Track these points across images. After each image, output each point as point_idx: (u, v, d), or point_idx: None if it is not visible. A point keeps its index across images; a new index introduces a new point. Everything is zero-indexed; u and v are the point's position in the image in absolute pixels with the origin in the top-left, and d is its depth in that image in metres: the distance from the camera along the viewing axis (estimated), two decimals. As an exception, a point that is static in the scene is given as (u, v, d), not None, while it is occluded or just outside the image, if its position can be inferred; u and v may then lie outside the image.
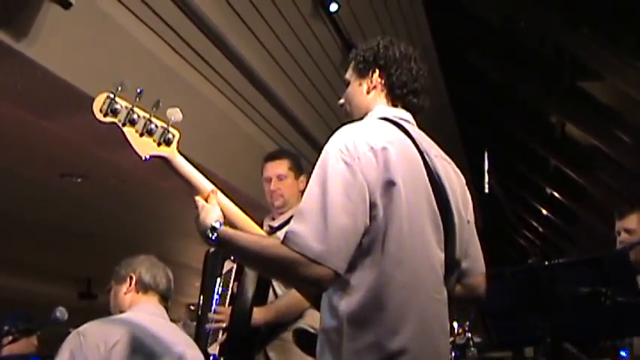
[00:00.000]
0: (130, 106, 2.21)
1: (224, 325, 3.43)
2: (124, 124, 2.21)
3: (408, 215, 1.98)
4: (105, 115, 2.18)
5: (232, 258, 3.43)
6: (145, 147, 2.24)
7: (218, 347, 3.43)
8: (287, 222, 3.66)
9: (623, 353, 4.16)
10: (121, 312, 3.15)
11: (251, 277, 3.47)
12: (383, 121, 2.17)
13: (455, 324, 5.61)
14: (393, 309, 1.92)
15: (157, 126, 2.24)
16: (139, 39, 4.48)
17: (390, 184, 1.96)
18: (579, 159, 9.67)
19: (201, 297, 3.66)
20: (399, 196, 1.96)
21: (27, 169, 6.41)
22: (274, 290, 3.61)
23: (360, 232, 1.92)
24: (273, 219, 3.83)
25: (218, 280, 3.59)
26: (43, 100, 4.40)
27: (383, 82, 2.29)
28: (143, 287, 3.17)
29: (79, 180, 6.85)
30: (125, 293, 3.17)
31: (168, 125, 2.25)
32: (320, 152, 2.03)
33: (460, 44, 9.53)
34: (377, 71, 2.29)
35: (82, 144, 5.22)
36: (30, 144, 5.57)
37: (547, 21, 7.07)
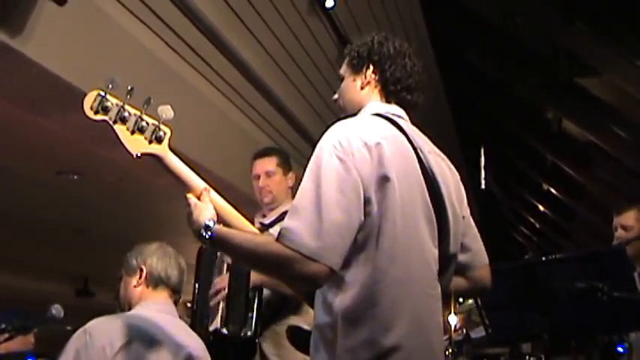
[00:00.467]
0: (120, 103, 2.19)
1: (224, 292, 3.44)
2: (114, 122, 2.19)
3: (402, 211, 1.97)
4: (96, 113, 2.16)
5: None
6: (136, 145, 2.22)
7: (219, 318, 3.43)
8: (278, 218, 3.69)
9: (620, 349, 4.17)
10: (130, 306, 3.08)
11: None
12: (376, 117, 2.17)
13: (453, 317, 5.61)
14: (386, 305, 1.91)
15: (148, 123, 2.22)
16: (135, 36, 4.48)
17: (384, 180, 1.95)
18: (577, 155, 9.67)
19: (195, 286, 3.65)
20: (393, 192, 1.96)
21: (23, 166, 6.40)
22: None
23: (354, 228, 1.91)
24: (264, 216, 3.85)
25: (215, 269, 3.61)
26: (38, 97, 4.39)
27: (377, 77, 2.28)
28: (154, 282, 3.05)
29: (75, 177, 6.84)
30: (135, 287, 3.06)
31: (159, 123, 2.24)
32: (315, 147, 2.02)
33: (457, 40, 9.51)
34: (371, 67, 2.28)
35: (78, 141, 5.21)
36: (26, 141, 5.56)
37: (544, 17, 7.06)
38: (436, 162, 2.19)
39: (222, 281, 3.49)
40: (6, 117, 4.93)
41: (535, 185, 12.50)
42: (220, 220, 2.19)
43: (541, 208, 13.22)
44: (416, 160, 2.09)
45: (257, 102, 6.04)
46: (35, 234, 9.10)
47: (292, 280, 2.29)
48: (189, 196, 2.23)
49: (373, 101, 2.27)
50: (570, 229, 12.81)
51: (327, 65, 6.40)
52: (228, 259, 3.56)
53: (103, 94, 2.16)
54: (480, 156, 11.11)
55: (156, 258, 3.10)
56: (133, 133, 2.21)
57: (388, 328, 1.89)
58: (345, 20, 6.41)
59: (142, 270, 3.07)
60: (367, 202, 1.93)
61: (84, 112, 2.15)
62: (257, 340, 3.59)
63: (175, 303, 3.17)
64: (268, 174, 3.84)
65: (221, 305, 3.46)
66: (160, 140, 2.24)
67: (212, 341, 3.43)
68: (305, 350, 2.14)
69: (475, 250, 2.33)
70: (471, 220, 2.36)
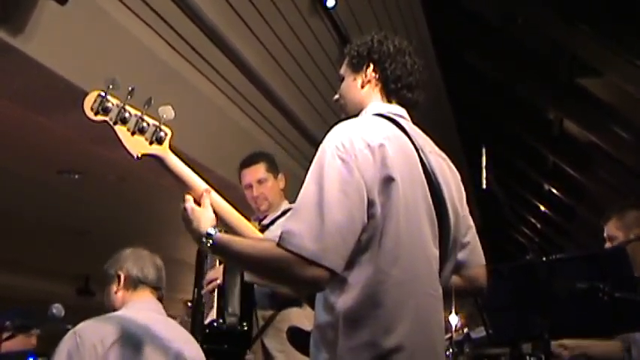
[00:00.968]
0: (121, 104, 2.18)
1: (219, 281, 3.45)
2: (115, 123, 2.18)
3: (405, 211, 1.96)
4: (96, 114, 2.15)
5: None
6: (137, 146, 2.21)
7: (215, 310, 3.43)
8: (278, 217, 3.69)
9: (620, 349, 4.15)
10: (114, 311, 3.14)
11: None
12: (378, 117, 2.16)
13: (453, 317, 5.61)
14: (389, 306, 1.90)
15: (148, 124, 2.21)
16: (137, 35, 4.48)
17: (388, 181, 1.94)
18: (578, 156, 9.66)
19: (195, 290, 3.67)
20: (396, 192, 1.95)
21: (24, 166, 6.41)
22: None
23: (357, 229, 1.90)
24: (261, 220, 3.82)
25: (207, 260, 3.62)
26: (39, 96, 4.39)
27: (377, 76, 2.28)
28: (133, 283, 3.14)
29: (76, 177, 6.85)
30: (116, 292, 3.15)
31: (160, 123, 2.23)
32: (317, 149, 2.01)
33: (458, 41, 9.51)
34: (371, 66, 2.28)
35: (79, 141, 5.22)
36: (26, 141, 5.57)
37: (545, 18, 7.06)
38: (437, 162, 2.18)
39: (215, 273, 3.49)
40: (7, 116, 4.94)
41: (536, 185, 12.49)
42: (220, 220, 2.19)
43: (542, 208, 13.21)
44: (418, 161, 2.09)
45: (258, 101, 6.04)
46: (36, 234, 9.12)
47: (295, 284, 2.28)
48: (188, 197, 2.22)
49: (374, 100, 2.27)
50: (571, 230, 12.80)
51: (328, 65, 6.40)
52: None
53: (103, 94, 2.15)
54: (481, 156, 11.11)
55: (130, 262, 3.18)
56: (133, 134, 2.20)
57: (390, 329, 1.89)
58: (346, 20, 6.41)
59: (119, 276, 3.14)
60: (371, 204, 1.92)
61: (84, 113, 2.14)
62: (260, 338, 3.60)
63: (160, 299, 3.24)
64: (260, 181, 3.82)
65: (216, 298, 3.47)
66: (160, 141, 2.23)
67: (208, 334, 3.45)
68: (305, 351, 2.13)
69: (472, 250, 2.32)
70: (470, 219, 2.35)
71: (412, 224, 1.99)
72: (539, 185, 12.36)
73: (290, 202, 3.74)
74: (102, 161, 5.72)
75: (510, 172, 12.67)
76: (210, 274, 3.53)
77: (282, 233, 1.88)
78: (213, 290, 3.50)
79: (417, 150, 2.11)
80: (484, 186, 10.95)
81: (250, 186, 3.84)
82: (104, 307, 3.23)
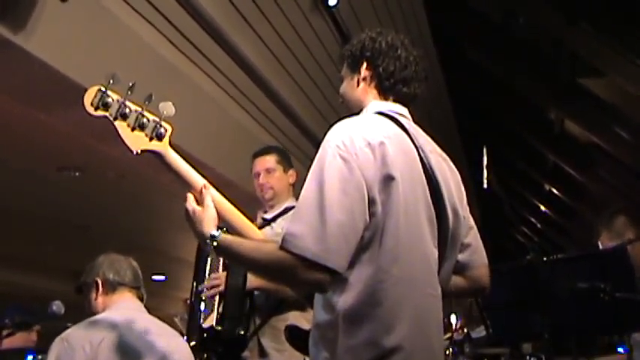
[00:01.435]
0: (121, 99, 2.17)
1: (221, 288, 3.46)
2: (115, 118, 2.17)
3: (405, 210, 1.96)
4: (96, 109, 2.14)
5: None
6: (137, 141, 2.20)
7: (215, 316, 3.45)
8: (280, 213, 3.72)
9: (620, 349, 4.16)
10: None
11: None
12: (379, 115, 2.15)
13: (453, 317, 5.62)
14: (388, 305, 1.90)
15: (148, 120, 2.20)
16: (137, 32, 4.48)
17: (388, 179, 1.93)
18: (578, 156, 9.66)
19: (193, 283, 3.68)
20: (396, 191, 1.94)
21: (24, 162, 6.40)
22: None
23: (359, 229, 1.89)
24: (266, 212, 3.86)
25: (208, 260, 3.63)
26: (40, 92, 4.39)
27: (371, 74, 2.27)
28: (111, 286, 3.19)
29: (76, 174, 6.84)
30: (95, 299, 3.19)
31: (160, 119, 2.22)
32: (318, 147, 2.00)
33: (459, 39, 9.51)
34: (365, 64, 2.28)
35: (80, 137, 5.21)
36: (27, 137, 5.56)
37: (547, 17, 7.06)
38: (437, 161, 2.18)
39: (218, 278, 3.50)
40: (7, 112, 4.94)
41: (537, 185, 12.49)
42: (220, 217, 2.19)
43: (542, 208, 13.21)
44: (418, 160, 2.08)
45: (259, 99, 6.04)
46: (36, 230, 9.12)
47: (299, 286, 2.27)
48: (189, 197, 2.20)
49: (372, 98, 2.27)
50: (571, 230, 12.80)
51: (329, 63, 6.40)
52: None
53: (103, 89, 2.14)
54: (481, 156, 11.10)
55: (105, 267, 3.24)
56: (133, 129, 2.19)
57: (390, 329, 1.88)
58: (348, 18, 6.41)
59: (96, 282, 3.20)
60: (372, 202, 1.91)
61: (84, 108, 2.14)
62: (256, 336, 3.61)
63: (140, 299, 3.28)
64: (268, 171, 3.86)
65: (216, 303, 3.48)
66: (160, 137, 2.22)
67: (205, 338, 3.47)
68: (303, 350, 2.13)
69: (474, 250, 2.32)
70: (471, 219, 2.35)
71: (412, 223, 1.98)
72: (540, 185, 12.36)
73: (297, 200, 3.76)
74: (102, 158, 5.71)
75: (511, 171, 12.67)
76: (213, 279, 3.54)
77: (284, 235, 1.87)
78: (215, 295, 3.51)
79: (417, 149, 2.10)
80: (485, 185, 10.94)
81: (258, 174, 3.88)
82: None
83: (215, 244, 2.04)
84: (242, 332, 3.52)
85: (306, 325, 2.16)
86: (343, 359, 1.88)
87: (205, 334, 3.47)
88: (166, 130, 2.23)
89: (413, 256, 1.97)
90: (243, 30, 5.34)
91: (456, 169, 2.32)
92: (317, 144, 2.01)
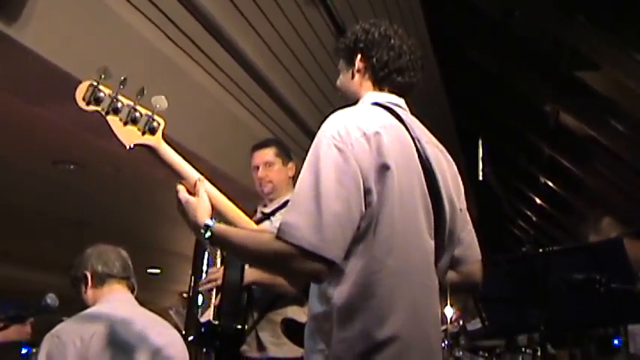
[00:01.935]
0: (113, 94, 2.16)
1: (218, 282, 3.46)
2: (107, 113, 2.16)
3: (400, 200, 1.96)
4: (88, 104, 2.14)
5: None
6: (129, 136, 2.19)
7: (212, 310, 3.44)
8: (280, 207, 3.70)
9: (616, 341, 4.17)
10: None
11: None
12: (375, 106, 2.15)
13: (449, 309, 5.63)
14: (384, 296, 1.89)
15: (141, 114, 2.20)
16: (132, 24, 4.46)
17: (383, 169, 1.93)
18: (575, 149, 9.65)
19: (192, 278, 3.68)
20: (392, 181, 1.94)
21: (19, 156, 6.39)
22: None
23: (355, 219, 1.89)
24: (265, 206, 3.85)
25: (206, 254, 3.62)
26: (34, 86, 4.37)
27: (365, 65, 2.28)
28: (99, 279, 3.19)
29: (72, 168, 6.83)
30: (85, 292, 3.19)
31: (153, 113, 2.21)
32: (313, 139, 2.00)
33: (455, 33, 9.49)
34: (359, 55, 2.29)
35: (75, 131, 5.20)
36: (22, 131, 5.54)
37: (544, 10, 7.05)
38: (434, 153, 2.17)
39: (216, 272, 3.50)
40: (1, 106, 4.92)
41: (532, 178, 12.49)
42: (215, 209, 2.18)
43: (538, 201, 13.21)
44: (414, 150, 2.08)
45: (253, 92, 6.03)
46: (32, 224, 9.10)
47: (295, 276, 2.27)
48: (181, 188, 2.20)
49: (367, 89, 2.27)
50: (567, 222, 12.81)
51: (324, 55, 6.39)
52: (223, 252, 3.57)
53: (95, 84, 2.13)
54: (477, 149, 11.08)
55: (93, 259, 3.23)
56: (126, 124, 2.18)
57: (385, 319, 1.88)
58: (343, 10, 6.40)
59: (85, 276, 3.19)
60: (367, 192, 1.91)
61: (76, 103, 2.13)
62: (254, 330, 3.61)
63: (131, 289, 3.28)
64: (267, 164, 3.85)
65: (213, 298, 3.47)
66: (153, 131, 2.22)
67: (202, 333, 3.47)
68: (299, 342, 2.13)
69: (468, 245, 2.32)
70: (467, 214, 2.35)
71: (407, 214, 1.98)
72: (536, 178, 12.36)
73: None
74: (98, 152, 5.69)
75: (507, 164, 12.67)
76: (210, 273, 3.53)
77: (280, 225, 1.87)
78: (212, 289, 3.50)
79: (413, 140, 2.10)
80: (480, 178, 10.93)
81: (257, 167, 3.88)
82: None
83: (209, 233, 2.04)
84: (239, 327, 3.52)
85: (304, 319, 2.16)
86: (338, 351, 1.88)
87: (203, 329, 3.47)
88: (159, 124, 2.23)
89: (408, 246, 1.97)
90: (239, 23, 5.33)
91: (452, 161, 2.32)
92: (313, 137, 2.00)
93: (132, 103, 2.19)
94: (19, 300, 4.29)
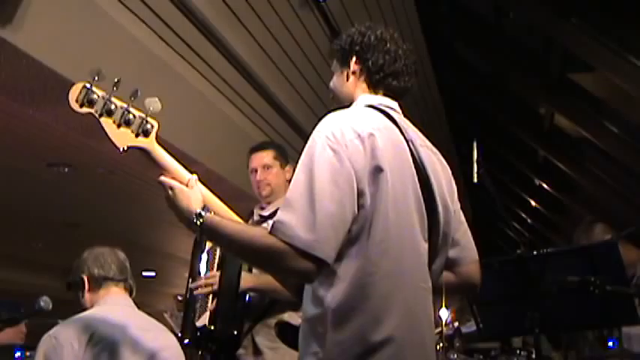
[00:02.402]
0: (107, 96, 2.14)
1: (215, 287, 3.44)
2: (100, 115, 2.14)
3: (394, 203, 1.96)
4: (81, 106, 2.11)
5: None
6: (123, 138, 2.17)
7: (208, 315, 3.43)
8: (277, 210, 3.67)
9: (610, 343, 4.17)
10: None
11: None
12: (369, 108, 2.16)
13: (444, 311, 5.63)
14: (378, 298, 1.89)
15: (134, 116, 2.18)
16: (126, 26, 4.45)
17: (377, 170, 1.94)
18: (568, 150, 9.66)
19: (189, 281, 3.66)
20: (385, 183, 1.94)
21: (13, 158, 6.37)
22: None
23: (348, 220, 1.89)
24: (263, 208, 3.83)
25: (203, 257, 3.61)
26: (28, 88, 4.36)
27: (360, 68, 2.28)
28: (96, 282, 3.20)
29: (66, 170, 6.81)
30: (83, 296, 3.20)
31: (146, 115, 2.19)
32: (307, 141, 2.00)
33: (449, 34, 9.50)
34: (354, 58, 2.28)
35: (69, 133, 5.19)
36: (16, 133, 5.53)
37: (537, 12, 7.05)
38: (427, 155, 2.18)
39: (213, 277, 3.48)
40: (-5, 108, 4.90)
41: (527, 180, 12.50)
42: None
43: (532, 203, 13.22)
44: (408, 153, 2.08)
45: (248, 94, 6.02)
46: (25, 226, 9.08)
47: (285, 274, 2.27)
48: (164, 179, 2.19)
49: (361, 92, 2.27)
50: (561, 224, 12.82)
51: (318, 58, 6.38)
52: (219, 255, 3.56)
53: (88, 86, 2.11)
54: (471, 150, 11.08)
55: (90, 262, 3.24)
56: (119, 126, 2.16)
57: (379, 321, 1.88)
58: (338, 13, 6.39)
59: (82, 279, 3.20)
60: (361, 194, 1.91)
61: (69, 105, 2.12)
62: (250, 335, 3.60)
63: (129, 291, 3.29)
64: (266, 167, 3.83)
65: (209, 302, 3.46)
66: (147, 133, 2.20)
67: (198, 337, 3.46)
68: (294, 345, 2.12)
69: (464, 246, 2.31)
70: (462, 215, 2.35)
71: (401, 216, 1.98)
72: (530, 180, 12.37)
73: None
74: (92, 154, 5.69)
75: (501, 166, 12.68)
76: (207, 278, 3.51)
77: (274, 222, 1.87)
78: (209, 294, 3.49)
79: (407, 142, 2.10)
80: (475, 180, 10.94)
81: (255, 170, 3.84)
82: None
83: (201, 221, 2.02)
84: (235, 332, 3.51)
85: (299, 323, 2.16)
86: (332, 353, 1.88)
87: (199, 333, 3.46)
88: (153, 126, 2.21)
89: (402, 248, 1.97)
90: (233, 25, 5.32)
91: (446, 164, 2.32)
92: (306, 139, 2.00)
93: (125, 105, 2.17)
94: (11, 302, 4.28)
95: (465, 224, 2.36)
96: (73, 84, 2.13)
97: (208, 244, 3.59)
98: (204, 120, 5.69)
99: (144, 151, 2.22)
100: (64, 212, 8.74)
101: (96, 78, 2.12)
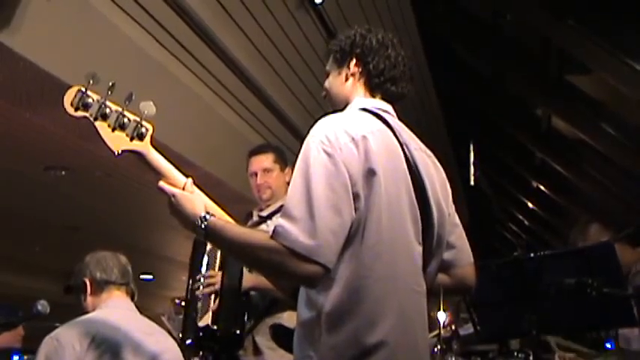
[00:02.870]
0: (102, 99, 2.14)
1: (216, 286, 3.44)
2: (95, 119, 2.14)
3: (388, 206, 1.96)
4: (76, 110, 2.11)
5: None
6: (118, 142, 2.17)
7: (210, 315, 3.43)
8: (277, 210, 3.67)
9: (608, 345, 4.18)
10: None
11: None
12: (363, 112, 2.16)
13: (441, 314, 5.62)
14: (371, 301, 1.89)
15: (129, 120, 2.17)
16: (123, 30, 4.45)
17: (370, 174, 1.94)
18: (566, 152, 9.68)
19: (189, 282, 3.65)
20: (378, 186, 1.94)
21: (10, 161, 6.36)
22: None
23: (347, 224, 1.89)
24: (262, 210, 3.83)
25: (204, 258, 3.61)
26: (25, 91, 4.35)
27: (360, 70, 2.27)
28: (99, 286, 3.20)
29: (63, 173, 6.80)
30: (85, 300, 3.21)
31: (141, 119, 2.19)
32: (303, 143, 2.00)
33: (447, 36, 9.51)
34: (354, 60, 2.28)
35: (66, 136, 5.18)
36: (13, 136, 5.52)
37: (534, 14, 7.07)
38: (422, 159, 2.17)
39: (214, 277, 3.48)
40: (-8, 112, 4.90)
41: (524, 182, 12.52)
42: None
43: (530, 205, 13.24)
44: (402, 156, 2.08)
45: (245, 97, 6.02)
46: (23, 230, 9.07)
47: (287, 278, 2.26)
48: (163, 185, 2.17)
49: (358, 94, 2.27)
50: (559, 226, 12.83)
51: (315, 60, 6.39)
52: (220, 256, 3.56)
53: (83, 89, 2.11)
54: (469, 153, 11.10)
55: (92, 266, 3.25)
56: (114, 130, 2.15)
57: (373, 325, 1.88)
58: (334, 15, 6.40)
59: (85, 283, 3.21)
60: (355, 197, 1.91)
61: (64, 109, 2.12)
62: (251, 335, 3.60)
63: (131, 295, 3.29)
64: (266, 170, 3.82)
65: (211, 302, 3.46)
66: (141, 137, 2.19)
67: (201, 337, 3.46)
68: (288, 348, 2.12)
69: (460, 248, 2.31)
70: (457, 217, 2.34)
71: (395, 219, 1.98)
72: (527, 182, 12.39)
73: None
74: (89, 157, 5.68)
75: (498, 168, 12.70)
76: (209, 278, 3.51)
77: (276, 227, 1.87)
78: (210, 294, 3.49)
79: (401, 145, 2.10)
80: (472, 182, 10.95)
81: (255, 174, 3.84)
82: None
83: (205, 224, 2.02)
84: (238, 332, 3.51)
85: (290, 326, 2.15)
86: (326, 357, 1.88)
87: (201, 333, 3.46)
88: (147, 130, 2.20)
89: (396, 251, 1.97)
90: (230, 27, 5.33)
91: (440, 167, 2.31)
92: (302, 141, 2.00)
93: (120, 109, 2.17)
94: (9, 306, 4.28)
95: (460, 227, 2.35)
96: (70, 87, 2.13)
97: (208, 246, 3.59)
98: (202, 122, 5.69)
99: (138, 155, 2.22)
100: (61, 215, 8.73)
101: (91, 82, 2.12)
